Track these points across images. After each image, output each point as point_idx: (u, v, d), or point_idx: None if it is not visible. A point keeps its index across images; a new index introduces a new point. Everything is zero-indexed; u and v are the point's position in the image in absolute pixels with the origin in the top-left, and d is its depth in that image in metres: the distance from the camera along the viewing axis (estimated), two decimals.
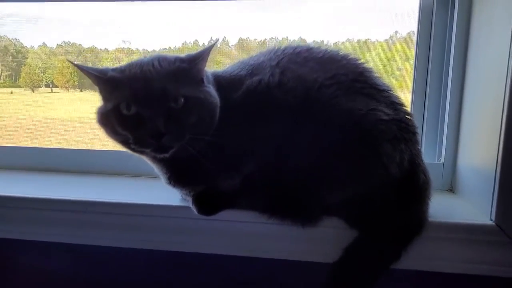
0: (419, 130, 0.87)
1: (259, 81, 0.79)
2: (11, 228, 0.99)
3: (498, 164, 0.81)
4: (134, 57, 1.35)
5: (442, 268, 0.86)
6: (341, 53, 0.85)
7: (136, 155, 0.79)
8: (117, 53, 1.36)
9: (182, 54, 0.78)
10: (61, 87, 1.47)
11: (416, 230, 0.81)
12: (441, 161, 1.04)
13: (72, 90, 1.47)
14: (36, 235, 0.98)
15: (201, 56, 0.74)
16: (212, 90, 0.77)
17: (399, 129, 0.78)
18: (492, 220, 0.83)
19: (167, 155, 0.75)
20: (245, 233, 0.89)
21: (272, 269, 0.95)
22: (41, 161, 1.20)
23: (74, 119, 1.44)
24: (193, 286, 1.01)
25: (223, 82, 0.81)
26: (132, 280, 1.04)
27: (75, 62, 0.75)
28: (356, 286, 0.80)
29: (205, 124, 0.74)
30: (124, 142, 0.75)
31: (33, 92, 1.47)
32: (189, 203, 0.88)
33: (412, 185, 0.81)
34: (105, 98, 0.77)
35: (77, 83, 1.46)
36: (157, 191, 0.96)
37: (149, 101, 0.70)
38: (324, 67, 0.81)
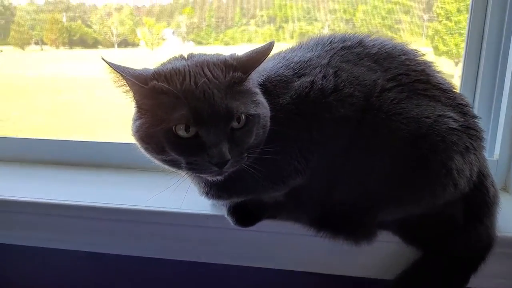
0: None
1: (311, 84, 0.67)
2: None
3: None
4: (124, 13, 1.32)
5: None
6: (398, 46, 0.73)
7: (171, 169, 0.66)
8: (106, 8, 1.34)
9: (227, 56, 0.64)
10: (51, 44, 1.41)
11: (486, 248, 0.73)
12: (494, 158, 0.94)
13: (62, 47, 1.41)
14: (49, 242, 0.90)
15: (256, 65, 0.61)
16: (263, 98, 0.65)
17: (469, 137, 0.68)
18: None
19: (222, 178, 0.65)
20: (288, 245, 0.80)
21: (315, 283, 0.88)
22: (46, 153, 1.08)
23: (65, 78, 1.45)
24: None
25: (269, 85, 0.69)
26: None
27: (109, 61, 0.59)
28: None
29: (259, 139, 0.63)
30: (169, 162, 0.63)
31: (23, 50, 1.42)
32: (223, 211, 0.78)
33: (482, 199, 0.72)
34: (144, 110, 0.62)
35: (67, 41, 1.41)
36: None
37: (214, 123, 0.58)
38: (382, 66, 0.70)
